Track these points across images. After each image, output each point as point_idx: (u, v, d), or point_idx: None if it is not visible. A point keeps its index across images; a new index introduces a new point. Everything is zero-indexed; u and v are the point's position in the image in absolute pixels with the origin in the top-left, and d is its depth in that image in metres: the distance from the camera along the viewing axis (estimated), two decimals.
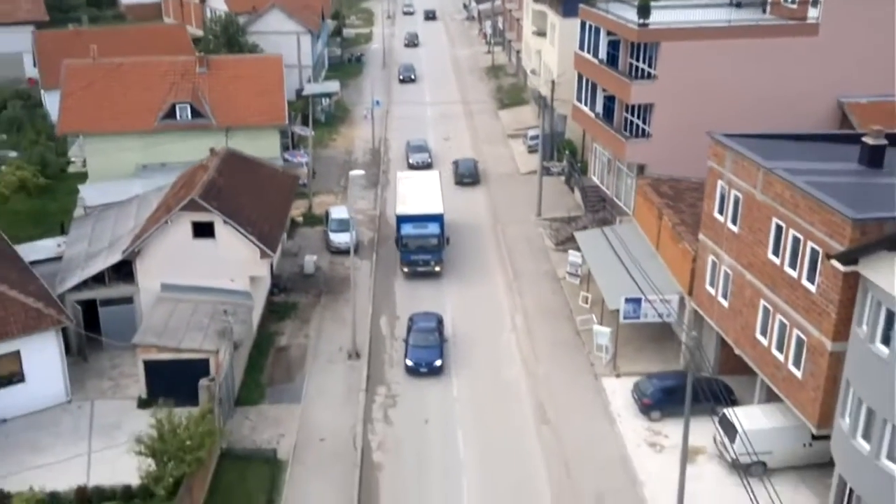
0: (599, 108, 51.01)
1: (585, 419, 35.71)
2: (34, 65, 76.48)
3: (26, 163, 58.13)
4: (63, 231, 47.90)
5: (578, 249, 45.57)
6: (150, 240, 38.47)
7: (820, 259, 27.51)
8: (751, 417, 31.72)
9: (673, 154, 44.00)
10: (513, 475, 32.48)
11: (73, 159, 63.37)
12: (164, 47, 68.45)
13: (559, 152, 62.12)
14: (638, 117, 47.27)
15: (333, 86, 75.95)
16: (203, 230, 38.59)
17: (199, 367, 34.60)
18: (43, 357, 35.14)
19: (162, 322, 36.76)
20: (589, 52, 51.97)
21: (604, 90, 50.32)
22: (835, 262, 25.83)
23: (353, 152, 68.27)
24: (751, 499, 24.54)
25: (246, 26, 77.87)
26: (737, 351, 33.64)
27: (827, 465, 29.86)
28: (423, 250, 46.43)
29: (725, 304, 34.14)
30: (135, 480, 29.89)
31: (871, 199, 27.41)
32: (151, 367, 35.40)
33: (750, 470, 30.00)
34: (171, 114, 54.34)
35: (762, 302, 31.34)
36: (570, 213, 53.96)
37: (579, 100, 54.05)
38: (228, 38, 74.24)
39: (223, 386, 34.23)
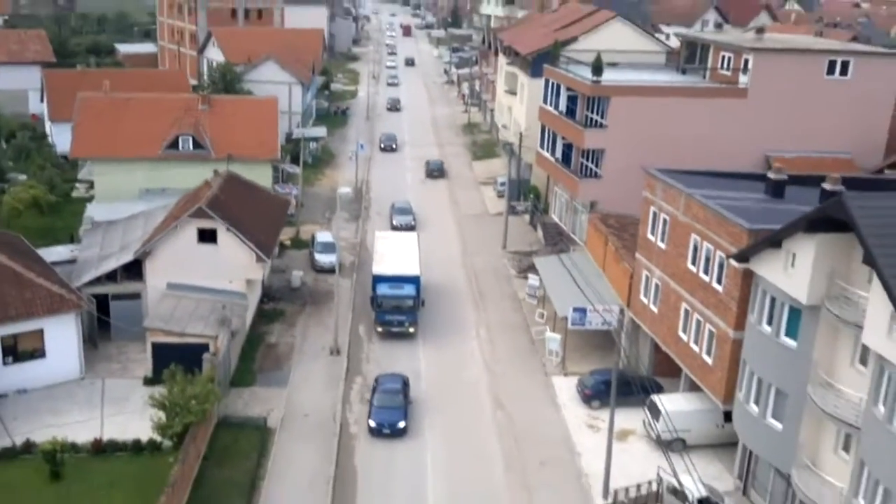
0: (559, 153, 57.71)
1: (535, 407, 41.26)
2: (41, 100, 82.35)
3: (36, 183, 63.42)
4: (73, 241, 53.06)
5: (537, 275, 51.63)
6: (159, 243, 43.97)
7: (725, 264, 33.71)
8: (673, 401, 37.49)
9: (620, 193, 50.26)
10: (470, 446, 37.81)
11: (77, 186, 68.77)
12: (165, 89, 74.55)
13: (525, 195, 68.59)
14: (591, 161, 53.93)
15: (321, 131, 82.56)
16: (207, 236, 44.14)
17: (200, 351, 39.70)
18: (62, 337, 40.18)
19: (168, 312, 42.03)
20: (551, 105, 58.94)
21: (563, 138, 57.08)
22: (732, 261, 32.00)
23: (336, 190, 74.28)
24: (670, 469, 30.15)
25: (242, 75, 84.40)
26: (664, 349, 39.60)
27: (736, 443, 35.51)
28: (398, 311, 46.43)
29: (655, 310, 40.24)
30: (144, 437, 34.89)
31: (768, 217, 33.64)
32: (158, 349, 40.48)
33: (671, 446, 35.52)
34: (174, 144, 60.09)
35: (683, 305, 37.46)
36: (531, 247, 60.15)
37: (542, 147, 60.81)
38: (226, 84, 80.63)
39: (220, 367, 39.36)
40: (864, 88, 52.66)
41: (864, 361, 26.63)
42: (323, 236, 58.38)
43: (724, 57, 55.77)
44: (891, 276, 23.71)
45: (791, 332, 29.51)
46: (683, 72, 60.22)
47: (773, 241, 29.35)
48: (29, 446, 34.65)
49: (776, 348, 30.14)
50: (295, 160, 75.03)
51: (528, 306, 52.29)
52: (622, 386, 39.17)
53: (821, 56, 52.96)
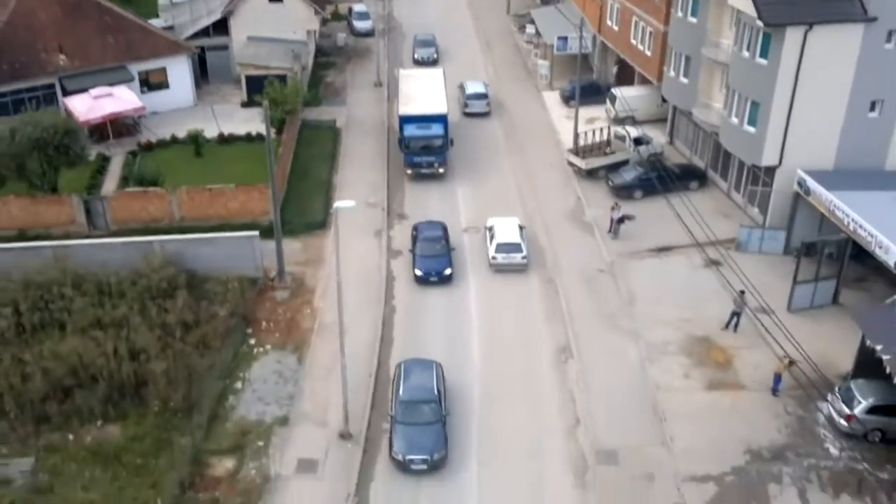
0: None
1: (530, 110, 55.74)
2: None
3: None
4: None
5: (534, 25, 64.70)
6: (239, 3, 57.45)
7: None
8: (627, 90, 51.71)
9: None
10: (483, 132, 52.49)
11: None
12: None
13: None
14: None
15: None
16: None
17: (282, 79, 53.85)
18: (180, 73, 54.48)
19: (253, 53, 56.12)
20: None
21: None
22: None
23: None
24: (628, 135, 44.69)
25: None
26: (622, 56, 53.40)
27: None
28: (426, 151, 45.73)
29: (616, 28, 53.72)
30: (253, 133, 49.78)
31: None
32: (249, 80, 54.74)
33: (624, 123, 49.91)
34: None
35: (633, 18, 50.87)
36: (528, 8, 72.74)
37: None
38: None
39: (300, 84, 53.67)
40: None
41: (734, 23, 40.19)
42: (359, 7, 71.37)
43: None
44: None
45: (694, 12, 42.99)
46: None
47: None
48: (175, 138, 49.73)
49: (687, 27, 43.76)
50: None
51: (525, 50, 65.83)
52: (592, 90, 53.67)
53: None
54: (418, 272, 37.97)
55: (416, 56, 63.77)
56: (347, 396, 29.84)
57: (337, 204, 28.26)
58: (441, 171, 46.50)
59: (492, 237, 39.72)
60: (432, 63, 62.03)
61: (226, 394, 31.76)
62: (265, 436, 29.92)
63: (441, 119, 46.48)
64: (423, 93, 49.17)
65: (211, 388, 31.29)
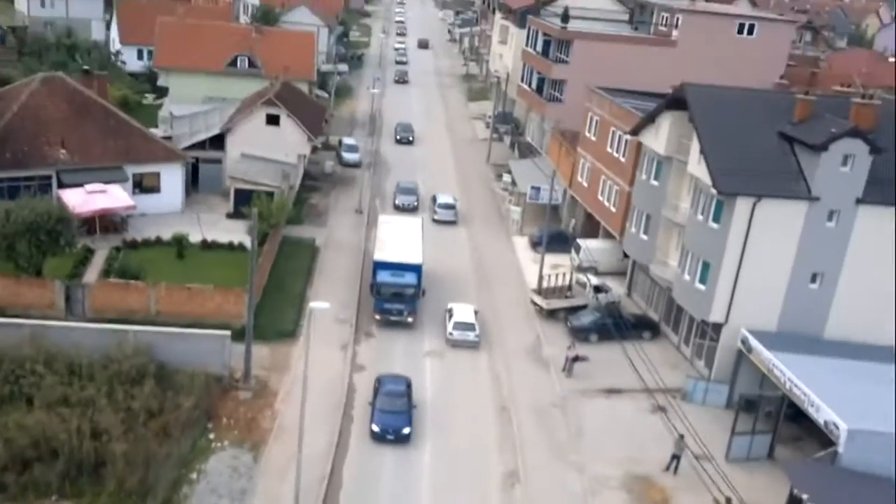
0: (534, 84, 74.98)
1: (499, 252, 58.88)
2: (107, 28, 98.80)
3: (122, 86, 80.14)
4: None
5: (510, 174, 69.04)
6: (238, 123, 61.13)
7: (626, 142, 51.11)
8: (591, 243, 55.17)
9: (575, 115, 67.20)
10: (455, 273, 55.25)
11: (147, 96, 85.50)
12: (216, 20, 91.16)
13: (508, 123, 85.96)
14: (556, 90, 71.13)
15: (344, 67, 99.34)
16: (272, 120, 61.30)
17: (269, 196, 56.82)
18: (172, 179, 57.27)
19: (244, 169, 59.25)
20: (531, 48, 76.12)
21: (538, 72, 74.31)
22: (629, 136, 49.46)
23: (355, 114, 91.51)
24: (588, 283, 47.86)
25: (279, 16, 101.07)
26: (589, 210, 57.21)
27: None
28: (397, 299, 45.64)
29: (586, 184, 57.79)
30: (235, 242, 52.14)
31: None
32: (238, 193, 57.60)
33: (586, 272, 53.09)
34: (233, 62, 76.88)
35: (602, 177, 54.97)
36: (507, 160, 77.52)
37: (522, 81, 78.06)
38: (266, 22, 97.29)
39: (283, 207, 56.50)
40: (766, 46, 69.86)
41: (692, 188, 43.97)
42: (348, 140, 75.69)
43: (663, 16, 72.95)
44: (701, 125, 41.09)
45: (657, 176, 46.94)
46: (635, 28, 77.32)
47: (650, 118, 46.72)
48: (159, 240, 51.82)
49: (649, 189, 47.63)
50: (321, 89, 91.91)
51: (500, 196, 69.89)
52: (559, 239, 57.13)
53: (732, 19, 70.22)
54: (375, 428, 36.44)
55: (396, 202, 64.63)
56: (300, 497, 30.83)
57: (312, 304, 30.32)
58: (410, 319, 46.01)
59: (450, 317, 46.14)
60: (412, 210, 63.55)
61: (181, 482, 32.53)
62: None
63: (415, 269, 46.45)
64: (400, 241, 49.36)
65: (167, 475, 32.09)
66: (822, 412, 33.68)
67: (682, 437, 35.98)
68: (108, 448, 31.89)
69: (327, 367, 41.37)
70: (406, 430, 36.54)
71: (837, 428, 32.58)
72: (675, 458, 36.26)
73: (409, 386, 38.91)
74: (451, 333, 45.19)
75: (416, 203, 64.76)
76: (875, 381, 36.55)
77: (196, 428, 35.29)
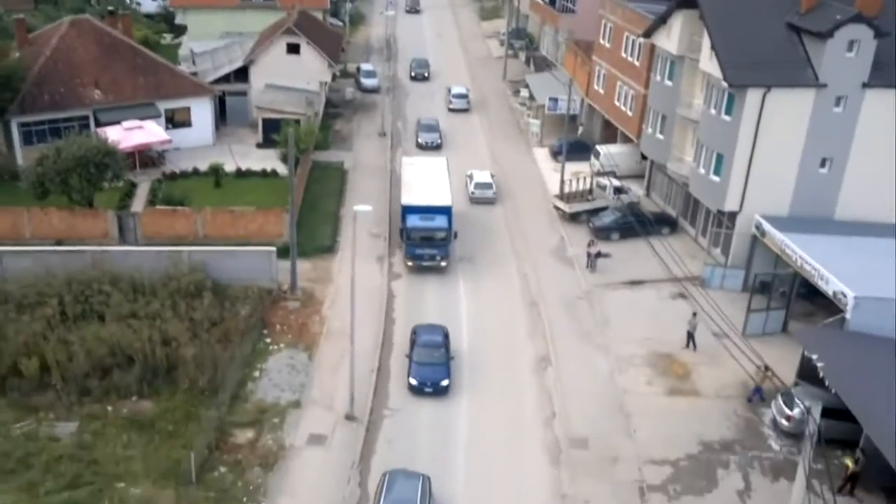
0: None
1: (521, 163, 61.07)
2: None
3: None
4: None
5: (528, 89, 70.73)
6: (259, 53, 63.07)
7: (640, 45, 52.70)
8: (611, 148, 57.22)
9: (588, 25, 68.52)
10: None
11: (165, 36, 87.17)
12: None
13: (521, 40, 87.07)
14: (569, 1, 72.16)
15: None
16: (293, 49, 63.17)
17: (296, 123, 59.12)
18: (202, 113, 59.63)
19: (270, 99, 61.47)
20: None
21: None
22: (642, 38, 51.06)
23: (370, 41, 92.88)
24: (609, 185, 50.14)
25: None
26: (607, 116, 59.08)
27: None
28: (428, 244, 44.29)
29: (602, 91, 59.54)
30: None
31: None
32: (266, 123, 59.94)
33: (606, 176, 55.23)
34: None
35: (618, 83, 56.70)
36: (524, 76, 79.03)
37: None
38: None
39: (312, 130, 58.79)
40: None
41: (704, 85, 45.77)
42: (366, 66, 77.41)
43: None
44: (711, 22, 42.73)
45: (671, 76, 48.73)
46: None
47: (662, 18, 48.29)
48: (196, 171, 54.51)
49: (664, 90, 49.47)
50: (334, 17, 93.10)
51: (519, 110, 71.73)
52: (579, 147, 59.15)
53: None
54: (413, 381, 35.36)
55: (419, 140, 62.64)
56: (354, 385, 34.05)
57: (356, 208, 33.04)
58: (443, 264, 44.74)
59: (471, 180, 54.23)
60: (436, 148, 61.70)
61: (245, 380, 35.86)
62: (280, 415, 33.97)
63: (445, 211, 45.06)
64: (427, 183, 48.02)
65: (233, 375, 35.37)
66: (831, 284, 36.17)
67: (694, 314, 38.78)
68: (178, 353, 35.16)
69: (367, 277, 44.13)
70: (444, 383, 35.42)
71: (845, 296, 35.09)
72: (690, 335, 39.05)
73: (446, 336, 37.65)
74: (472, 192, 53.40)
75: (439, 140, 62.61)
76: (880, 255, 38.85)
77: (253, 333, 38.46)
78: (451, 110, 70.22)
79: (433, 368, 35.72)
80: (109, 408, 33.46)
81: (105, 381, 34.19)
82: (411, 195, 46.71)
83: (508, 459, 32.44)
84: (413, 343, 37.21)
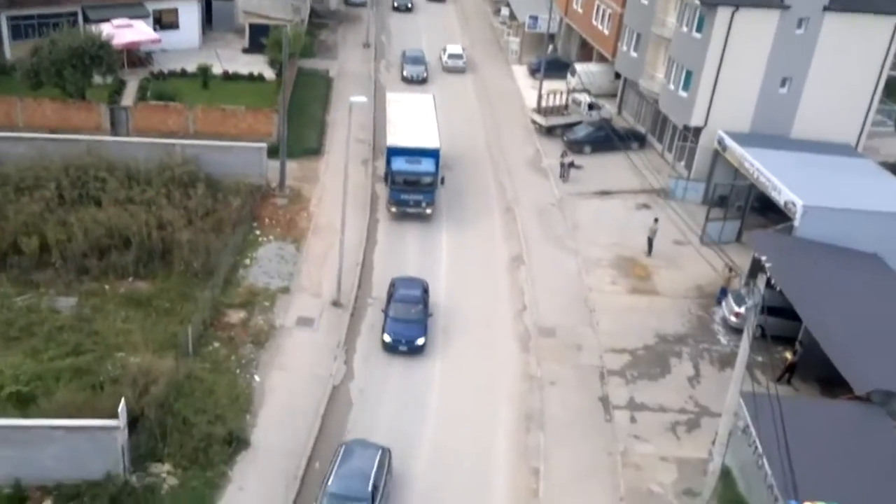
0: None
1: (500, 78, 63.07)
2: None
3: None
4: None
5: (510, 8, 72.13)
6: None
7: None
8: (586, 66, 59.28)
9: None
10: (462, 98, 59.43)
11: None
12: None
13: None
14: None
15: None
16: None
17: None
18: (189, 15, 60.46)
19: (257, 4, 62.37)
20: None
21: None
22: None
23: None
24: (584, 101, 52.19)
25: None
26: (584, 36, 60.94)
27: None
28: (414, 189, 42.13)
29: (581, 11, 61.30)
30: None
31: None
32: (252, 28, 60.97)
33: (582, 93, 57.35)
34: None
35: (596, 2, 58.46)
36: None
37: None
38: None
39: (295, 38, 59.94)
40: None
41: (678, 3, 47.74)
42: None
43: None
44: None
45: None
46: None
47: None
48: (184, 71, 55.71)
49: (640, 8, 51.47)
50: None
51: (498, 31, 73.29)
52: (556, 65, 61.02)
53: None
54: (387, 338, 33.76)
55: (404, 73, 60.62)
56: (342, 274, 36.60)
57: (352, 98, 35.10)
58: (428, 211, 42.76)
59: (444, 52, 62.89)
60: (422, 82, 60.02)
61: (237, 266, 38.21)
62: (270, 298, 36.46)
63: (433, 154, 42.91)
64: (414, 123, 45.72)
65: (225, 260, 37.63)
66: (783, 194, 39.06)
67: (656, 220, 41.75)
68: (174, 237, 37.21)
69: (352, 178, 45.70)
70: (420, 341, 33.73)
71: (794, 205, 38.02)
72: (650, 240, 41.98)
73: (425, 291, 36.03)
74: (445, 62, 62.01)
75: (425, 74, 60.46)
76: (830, 170, 41.87)
77: (244, 225, 40.62)
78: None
79: (409, 325, 34.05)
80: (107, 286, 35.50)
81: (103, 262, 36.12)
82: (396, 135, 44.28)
83: (482, 346, 35.32)
84: (390, 297, 35.55)
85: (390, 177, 42.65)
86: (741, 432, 28.63)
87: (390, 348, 33.98)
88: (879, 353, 30.73)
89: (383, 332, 34.20)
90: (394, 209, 43.05)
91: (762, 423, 25.39)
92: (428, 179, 42.31)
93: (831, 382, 31.99)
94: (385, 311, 34.90)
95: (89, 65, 45.95)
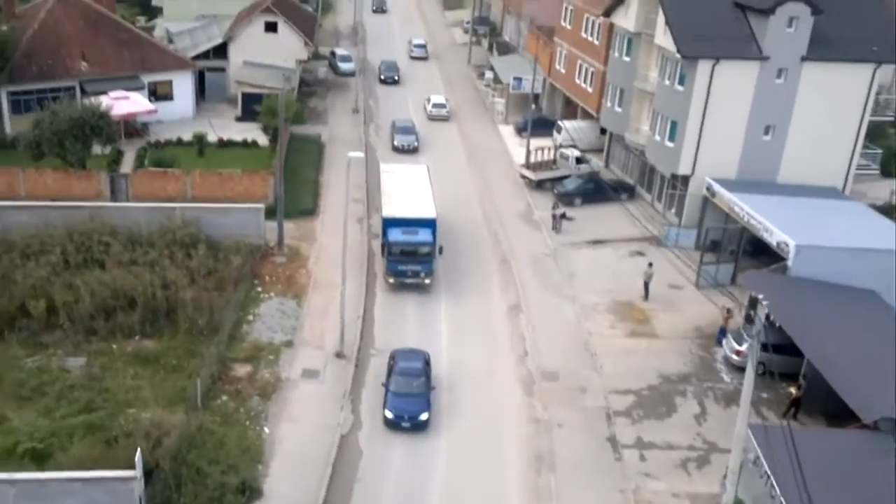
0: None
1: (488, 139, 64.56)
2: None
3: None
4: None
5: (492, 71, 74.19)
6: (238, 31, 65.55)
7: (599, 25, 56.40)
8: (572, 123, 60.89)
9: (548, 10, 72.12)
10: (450, 158, 60.78)
11: (139, 18, 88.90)
12: None
13: (485, 26, 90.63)
14: None
15: None
16: (271, 27, 65.76)
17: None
18: (183, 87, 61.97)
19: (248, 74, 63.99)
20: None
21: None
22: (602, 18, 54.77)
23: (338, 27, 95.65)
24: (571, 156, 53.75)
25: None
26: (568, 94, 62.74)
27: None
28: (412, 259, 41.45)
29: (564, 71, 63.22)
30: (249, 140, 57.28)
31: None
32: (245, 97, 62.47)
33: (570, 147, 58.82)
34: None
35: (578, 62, 60.38)
36: (487, 61, 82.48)
37: None
38: None
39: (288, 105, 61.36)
40: None
41: (659, 58, 49.51)
42: (341, 51, 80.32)
43: None
44: (666, 0, 46.51)
45: (629, 52, 52.48)
46: None
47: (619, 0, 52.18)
48: (180, 140, 56.86)
49: (622, 65, 53.24)
50: (303, 2, 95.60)
51: (484, 91, 75.25)
52: (542, 123, 62.70)
53: None
54: (388, 414, 32.38)
55: (395, 143, 60.56)
56: (344, 326, 37.05)
57: (350, 154, 36.08)
58: (427, 281, 41.94)
59: (429, 101, 67.75)
60: (413, 151, 60.08)
61: (240, 322, 38.63)
62: (275, 352, 36.81)
63: (429, 223, 42.23)
64: (409, 193, 45.31)
65: (229, 317, 38.08)
66: (775, 235, 40.09)
67: (650, 264, 42.61)
68: (178, 296, 37.71)
69: (348, 235, 46.96)
70: (424, 416, 32.31)
71: (787, 245, 39.02)
72: (646, 284, 42.75)
73: (427, 363, 34.67)
74: (430, 111, 67.06)
75: (416, 143, 60.31)
76: (818, 212, 43.09)
77: (246, 282, 41.17)
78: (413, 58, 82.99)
79: (410, 400, 32.79)
80: (115, 346, 35.89)
81: (110, 322, 36.59)
82: (392, 206, 43.58)
83: (486, 391, 35.67)
84: (390, 370, 34.26)
85: (387, 248, 41.85)
86: (752, 464, 28.94)
87: (392, 424, 32.45)
88: (884, 382, 31.27)
89: (384, 407, 32.80)
90: (391, 280, 42.16)
91: (773, 454, 25.74)
92: (425, 249, 41.55)
93: (837, 416, 32.41)
94: (385, 385, 33.55)
95: (89, 135, 46.95)
